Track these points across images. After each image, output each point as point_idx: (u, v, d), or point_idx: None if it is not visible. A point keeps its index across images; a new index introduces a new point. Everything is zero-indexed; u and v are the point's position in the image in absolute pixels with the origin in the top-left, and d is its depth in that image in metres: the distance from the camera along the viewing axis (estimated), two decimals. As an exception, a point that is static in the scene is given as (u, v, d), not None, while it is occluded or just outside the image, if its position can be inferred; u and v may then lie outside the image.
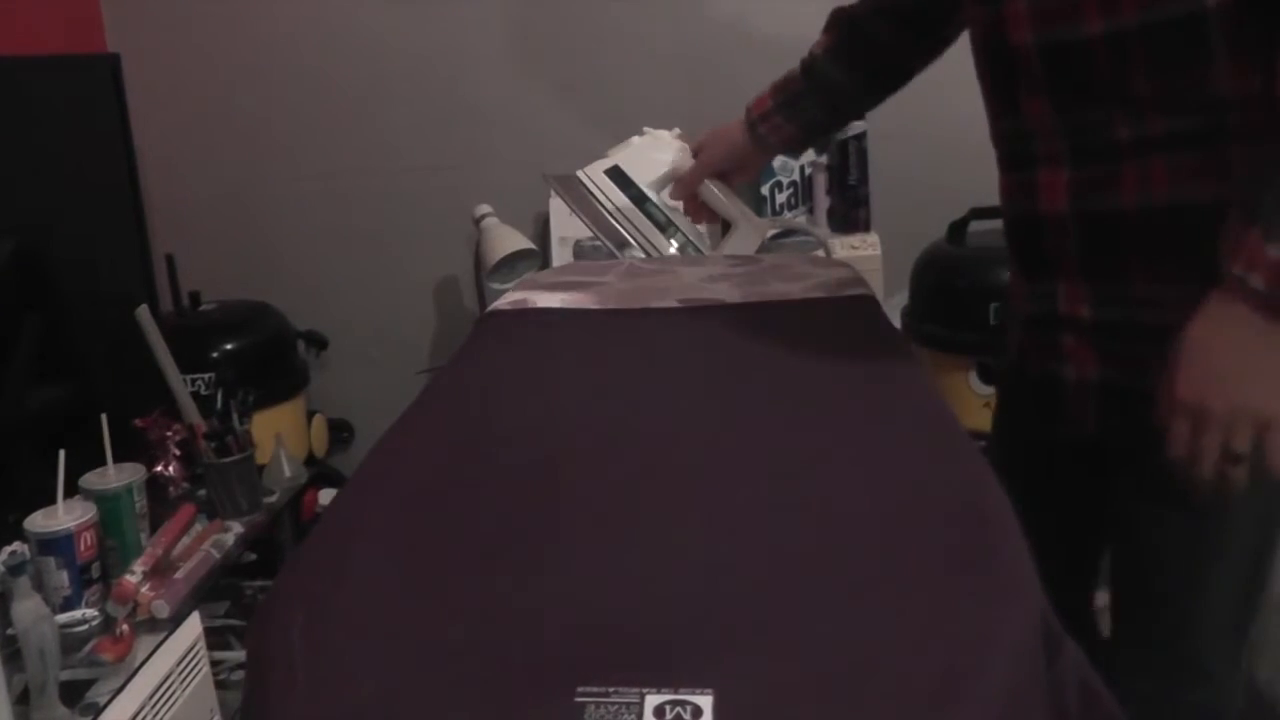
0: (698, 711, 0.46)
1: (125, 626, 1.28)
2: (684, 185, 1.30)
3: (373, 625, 0.55)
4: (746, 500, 0.68)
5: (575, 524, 0.66)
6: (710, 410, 0.86)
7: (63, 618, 1.26)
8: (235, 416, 1.61)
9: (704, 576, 0.57)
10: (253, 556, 1.70)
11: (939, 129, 1.90)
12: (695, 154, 1.30)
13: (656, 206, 1.31)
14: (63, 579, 1.33)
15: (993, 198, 1.05)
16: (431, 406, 0.92)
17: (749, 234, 1.33)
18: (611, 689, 0.47)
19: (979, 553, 0.56)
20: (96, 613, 1.31)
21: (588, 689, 0.47)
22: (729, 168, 1.29)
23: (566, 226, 2.01)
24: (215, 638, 1.48)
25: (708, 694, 0.46)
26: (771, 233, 1.48)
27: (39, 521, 1.33)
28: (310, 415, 2.09)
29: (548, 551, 0.62)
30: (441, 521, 0.67)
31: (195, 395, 1.68)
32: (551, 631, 0.53)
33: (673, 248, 1.30)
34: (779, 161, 1.97)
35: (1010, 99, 0.94)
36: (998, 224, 1.75)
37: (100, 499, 1.40)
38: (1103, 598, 1.08)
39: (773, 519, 0.65)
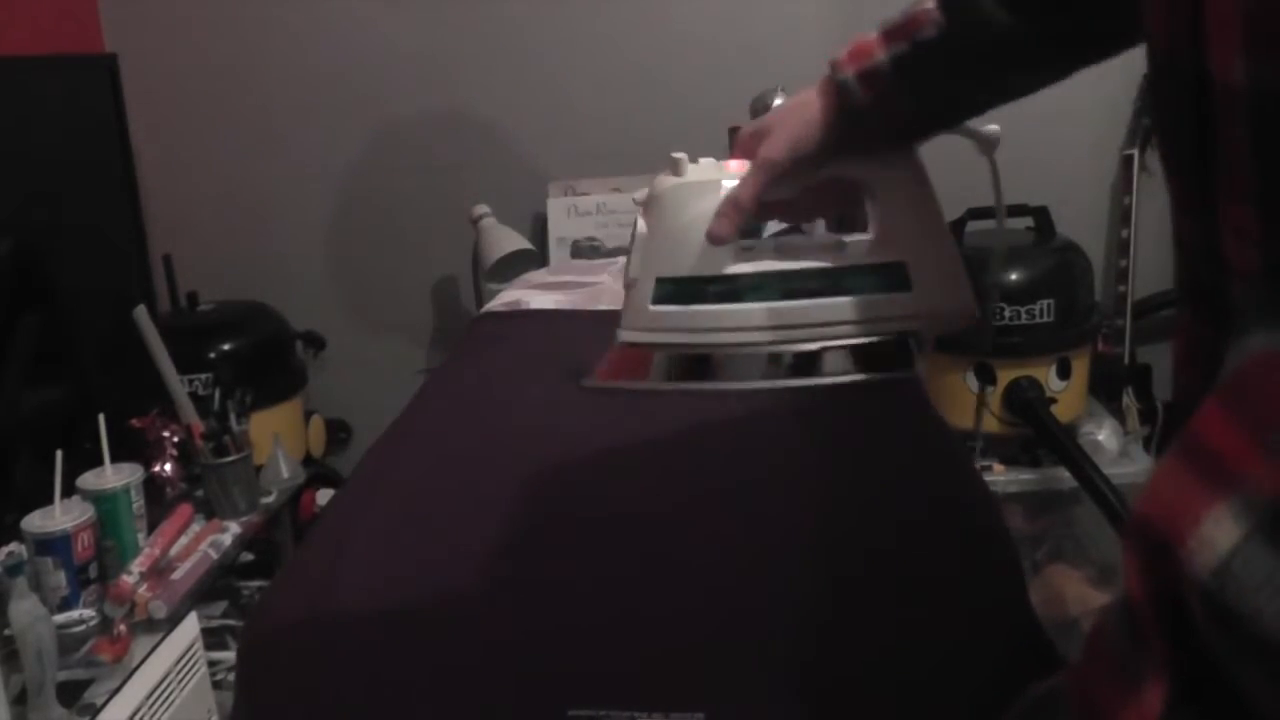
0: (689, 733, 0.46)
1: (123, 627, 1.28)
2: (742, 201, 0.79)
3: (362, 642, 0.55)
4: (742, 522, 0.68)
5: (568, 539, 0.66)
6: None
7: (60, 618, 1.26)
8: (233, 417, 1.61)
9: (697, 598, 0.58)
10: (250, 557, 1.70)
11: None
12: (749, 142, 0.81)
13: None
14: (60, 579, 1.33)
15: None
16: (423, 414, 0.92)
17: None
18: (603, 711, 0.47)
19: (969, 579, 0.56)
20: (94, 613, 1.31)
21: (579, 712, 0.47)
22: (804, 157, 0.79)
23: (564, 226, 2.02)
24: (213, 638, 1.48)
25: (699, 717, 0.47)
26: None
27: (36, 522, 1.33)
28: (308, 415, 2.09)
29: (539, 568, 0.62)
30: (432, 537, 0.67)
31: (193, 395, 1.68)
32: (544, 651, 0.53)
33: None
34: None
35: (1198, 185, 0.42)
36: (995, 224, 1.76)
37: (98, 499, 1.40)
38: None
39: (769, 543, 0.65)
